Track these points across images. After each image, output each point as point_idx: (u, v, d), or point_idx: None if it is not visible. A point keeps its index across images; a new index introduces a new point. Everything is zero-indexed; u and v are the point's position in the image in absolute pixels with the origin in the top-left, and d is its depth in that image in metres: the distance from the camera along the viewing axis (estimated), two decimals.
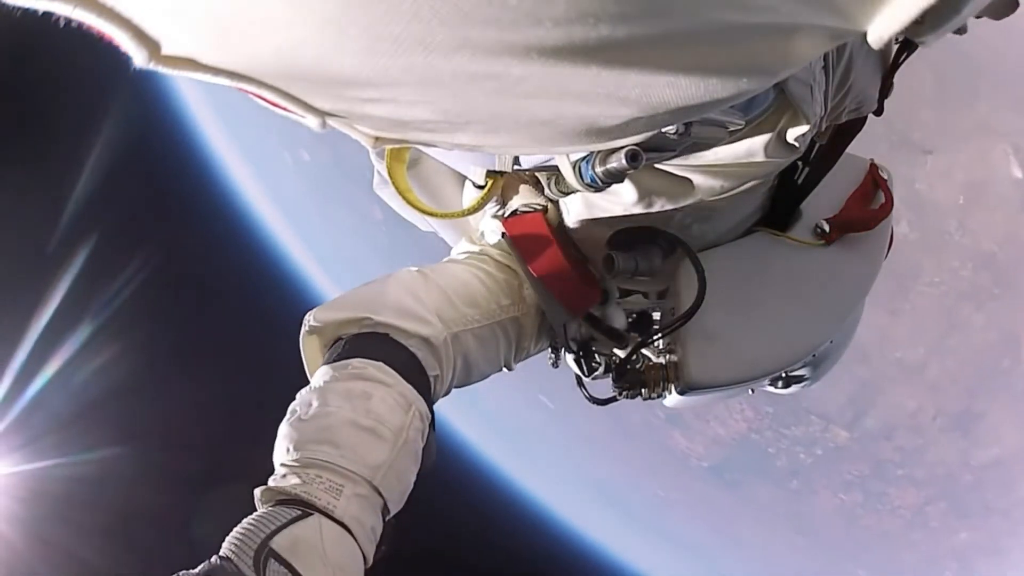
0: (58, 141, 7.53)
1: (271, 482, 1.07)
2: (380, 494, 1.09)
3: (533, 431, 11.44)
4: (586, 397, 1.77)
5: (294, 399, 1.19)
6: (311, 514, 0.99)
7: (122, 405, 7.43)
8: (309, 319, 1.32)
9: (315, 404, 1.13)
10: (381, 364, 1.21)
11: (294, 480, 1.04)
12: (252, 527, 0.95)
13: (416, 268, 1.49)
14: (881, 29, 0.54)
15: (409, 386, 1.22)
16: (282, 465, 1.08)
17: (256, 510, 1.02)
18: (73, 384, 7.14)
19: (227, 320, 9.33)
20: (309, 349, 1.34)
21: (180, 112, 10.72)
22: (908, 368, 7.03)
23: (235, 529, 0.96)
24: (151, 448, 7.36)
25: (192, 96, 10.77)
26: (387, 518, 1.12)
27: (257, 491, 1.06)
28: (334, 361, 1.23)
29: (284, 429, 1.13)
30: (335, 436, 1.08)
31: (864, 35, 0.56)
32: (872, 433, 7.61)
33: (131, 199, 8.61)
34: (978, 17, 1.66)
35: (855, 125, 1.63)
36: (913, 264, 6.32)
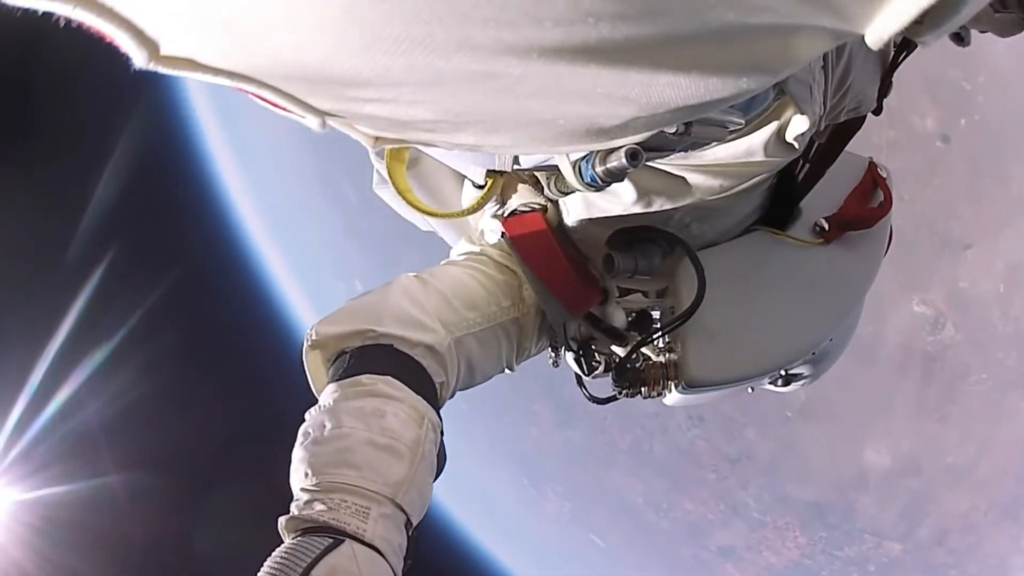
0: (80, 173, 7.43)
1: (294, 510, 1.05)
2: (403, 510, 1.09)
3: (585, 569, 11.33)
4: (586, 396, 1.78)
5: (304, 420, 1.18)
6: (342, 541, 0.98)
7: (132, 431, 7.36)
8: (311, 334, 1.31)
9: (329, 425, 1.12)
10: (389, 378, 1.20)
11: (320, 507, 1.03)
12: (286, 561, 0.93)
13: (415, 273, 1.48)
14: (880, 29, 0.53)
15: (419, 398, 1.21)
16: (303, 491, 1.07)
17: (283, 541, 1.01)
18: (84, 411, 7.09)
19: (239, 350, 9.26)
20: (312, 364, 1.32)
21: (236, 235, 10.61)
22: (958, 471, 6.98)
23: (267, 564, 0.95)
24: (162, 474, 7.31)
25: (247, 215, 10.65)
26: (410, 532, 1.12)
27: (282, 520, 1.05)
28: (341, 378, 1.21)
29: (299, 453, 1.11)
30: (354, 457, 1.07)
31: (863, 36, 0.56)
32: (925, 541, 7.55)
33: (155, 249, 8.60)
34: (983, 32, 1.67)
35: (854, 124, 1.63)
36: (960, 367, 6.22)
